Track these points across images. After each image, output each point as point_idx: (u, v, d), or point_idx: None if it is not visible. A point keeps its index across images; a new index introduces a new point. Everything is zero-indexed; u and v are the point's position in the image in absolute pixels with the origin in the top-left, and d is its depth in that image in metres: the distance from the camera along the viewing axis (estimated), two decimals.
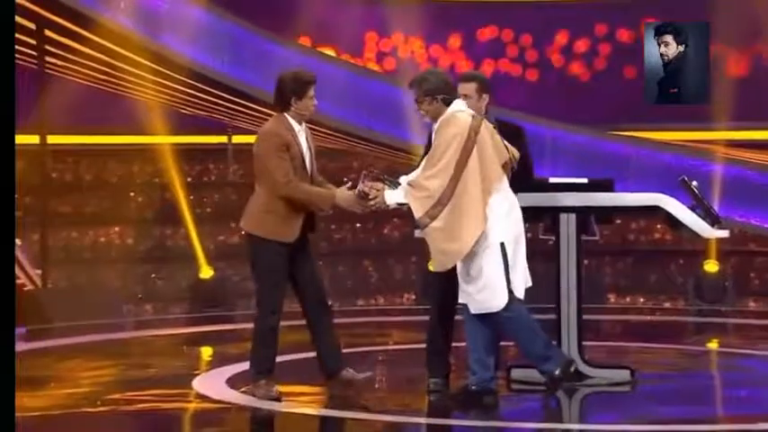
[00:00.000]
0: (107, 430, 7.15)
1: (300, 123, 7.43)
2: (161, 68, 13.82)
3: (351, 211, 7.43)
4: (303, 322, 7.61)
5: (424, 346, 7.89)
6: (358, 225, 17.04)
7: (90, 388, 8.31)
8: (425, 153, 7.52)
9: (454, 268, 7.25)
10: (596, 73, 18.95)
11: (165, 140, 15.86)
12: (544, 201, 7.92)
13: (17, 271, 13.81)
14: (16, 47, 12.72)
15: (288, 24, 16.79)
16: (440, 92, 7.30)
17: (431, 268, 7.58)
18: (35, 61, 13.67)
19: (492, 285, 7.17)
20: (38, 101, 13.58)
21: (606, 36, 18.94)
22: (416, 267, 16.08)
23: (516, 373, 8.06)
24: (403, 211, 7.39)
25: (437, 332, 7.76)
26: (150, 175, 16.88)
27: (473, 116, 7.28)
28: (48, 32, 13.58)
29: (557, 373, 7.32)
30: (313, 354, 7.65)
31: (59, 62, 14.42)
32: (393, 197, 7.26)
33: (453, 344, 7.81)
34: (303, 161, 7.39)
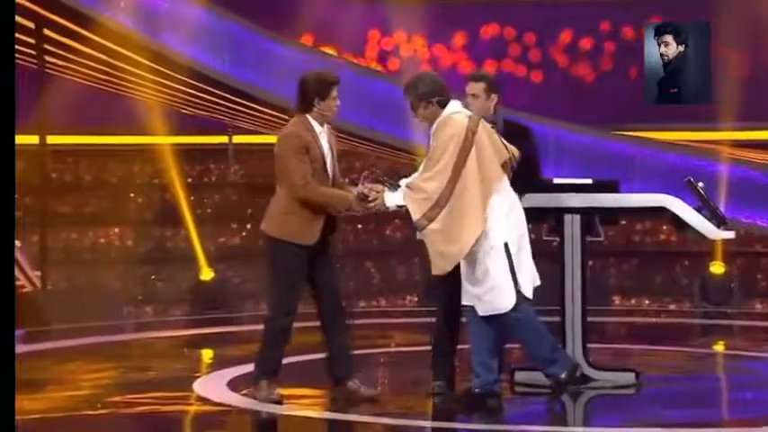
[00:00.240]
0: None
1: (322, 125, 7.43)
2: (161, 68, 13.78)
3: (351, 212, 7.43)
4: (307, 324, 7.58)
5: (426, 348, 7.91)
6: (360, 226, 17.00)
7: (90, 390, 8.29)
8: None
9: (458, 269, 7.21)
10: (601, 73, 18.89)
11: (165, 141, 15.85)
12: (548, 201, 7.89)
13: (16, 272, 13.76)
14: (15, 46, 12.67)
15: (289, 23, 16.74)
16: (434, 95, 7.28)
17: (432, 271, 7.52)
18: (34, 61, 13.66)
19: (499, 286, 7.17)
20: (37, 101, 13.56)
21: (610, 34, 18.88)
22: (419, 269, 16.03)
23: (520, 376, 8.02)
24: (404, 213, 7.35)
25: (443, 334, 7.74)
26: (150, 176, 16.86)
27: (469, 117, 7.27)
28: (47, 32, 13.57)
29: (563, 376, 7.32)
30: (317, 356, 7.64)
31: (59, 62, 14.41)
32: (392, 199, 7.26)
33: (458, 346, 7.76)
34: (324, 163, 7.38)
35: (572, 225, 7.90)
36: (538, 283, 7.37)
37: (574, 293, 7.91)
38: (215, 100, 14.92)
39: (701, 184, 7.86)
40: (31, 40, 13.52)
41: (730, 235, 8.00)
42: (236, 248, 16.61)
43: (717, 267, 14.92)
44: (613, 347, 10.21)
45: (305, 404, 7.61)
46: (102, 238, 16.70)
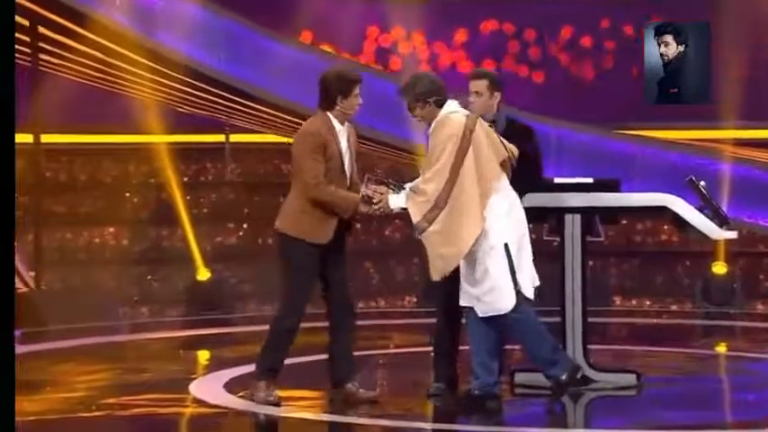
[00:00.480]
0: None
1: (343, 123, 7.42)
2: (157, 66, 13.73)
3: (357, 216, 7.43)
4: (308, 325, 7.54)
5: (425, 349, 7.93)
6: (358, 226, 16.92)
7: (85, 392, 8.27)
8: None
9: (458, 269, 7.19)
10: (602, 71, 18.84)
11: (161, 139, 15.82)
12: (549, 201, 7.86)
13: None
14: None
15: (287, 20, 16.69)
16: (431, 94, 7.29)
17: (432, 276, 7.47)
18: (28, 59, 13.63)
19: (499, 287, 7.15)
20: (31, 99, 13.51)
21: (611, 32, 18.83)
22: (418, 269, 15.99)
23: (520, 378, 7.99)
24: (400, 212, 7.37)
25: (443, 335, 7.72)
26: (146, 175, 16.83)
27: (467, 116, 7.27)
28: (41, 29, 13.53)
29: (563, 378, 7.31)
30: (317, 357, 7.66)
31: (53, 59, 14.37)
32: (396, 201, 7.26)
33: (459, 347, 7.74)
34: (342, 162, 7.37)
35: (572, 225, 7.88)
36: (537, 283, 7.35)
37: (574, 294, 7.88)
38: (212, 98, 14.87)
39: (702, 183, 7.83)
40: (26, 38, 13.48)
41: (732, 235, 7.96)
42: (233, 248, 16.57)
43: (719, 268, 14.88)
44: (614, 348, 10.20)
45: (303, 406, 7.59)
46: (98, 238, 16.67)
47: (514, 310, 7.15)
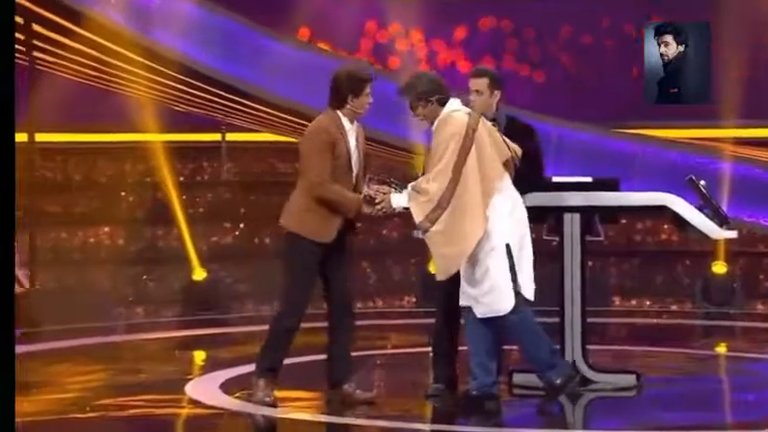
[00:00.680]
0: None
1: (352, 122, 7.43)
2: (153, 64, 13.70)
3: (360, 216, 7.46)
4: (307, 325, 7.52)
5: (423, 349, 7.92)
6: (359, 225, 16.89)
7: (79, 393, 8.25)
8: None
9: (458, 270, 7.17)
10: (602, 70, 18.82)
11: (156, 138, 15.78)
12: (548, 200, 7.84)
13: None
14: None
15: (284, 17, 16.65)
16: (433, 93, 7.28)
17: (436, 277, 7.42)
18: (23, 57, 13.62)
19: (498, 288, 7.13)
20: (26, 98, 13.47)
21: (611, 31, 18.81)
22: (416, 269, 15.97)
23: (518, 378, 7.97)
24: (402, 212, 7.37)
25: (443, 335, 7.70)
26: (141, 174, 16.78)
27: (469, 114, 7.24)
28: (36, 27, 13.50)
29: (558, 382, 7.30)
30: (315, 358, 7.66)
31: (48, 58, 14.35)
32: (399, 201, 7.26)
33: (458, 348, 7.73)
34: (349, 161, 7.39)
35: (572, 224, 7.86)
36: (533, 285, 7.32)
37: (573, 294, 7.86)
38: (208, 97, 14.85)
39: (702, 182, 7.82)
40: (21, 36, 13.46)
41: (733, 234, 7.93)
42: (229, 248, 16.54)
43: (719, 267, 14.86)
44: (614, 349, 10.20)
45: (299, 407, 7.59)
46: (92, 238, 16.63)
47: (513, 311, 7.13)
